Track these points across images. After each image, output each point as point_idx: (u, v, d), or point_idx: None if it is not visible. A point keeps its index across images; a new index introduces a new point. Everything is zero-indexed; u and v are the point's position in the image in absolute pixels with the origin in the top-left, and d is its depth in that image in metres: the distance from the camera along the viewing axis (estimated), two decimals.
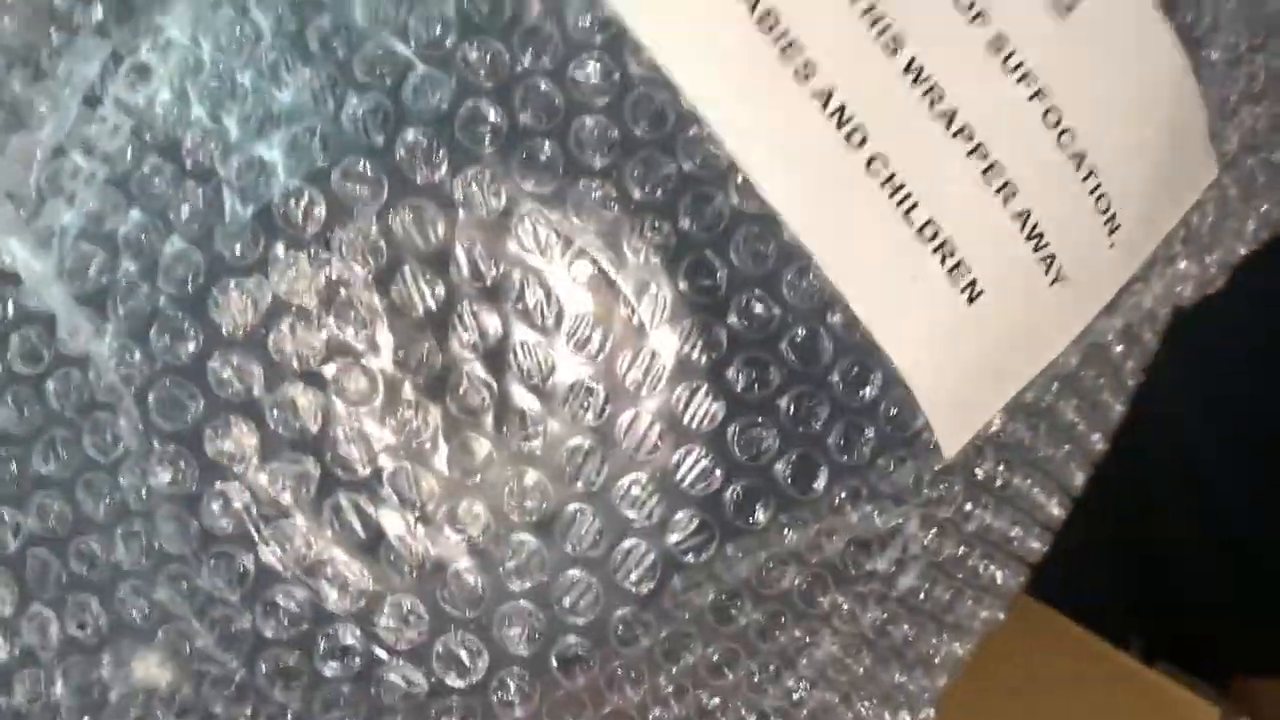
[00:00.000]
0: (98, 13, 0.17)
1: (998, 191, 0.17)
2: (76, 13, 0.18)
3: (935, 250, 0.16)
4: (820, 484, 0.16)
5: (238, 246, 0.15)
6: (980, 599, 0.20)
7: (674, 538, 0.16)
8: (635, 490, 0.16)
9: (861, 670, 0.18)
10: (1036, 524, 0.20)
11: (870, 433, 0.16)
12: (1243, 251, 0.21)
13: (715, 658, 0.17)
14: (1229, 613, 0.49)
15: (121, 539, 0.16)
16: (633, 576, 0.15)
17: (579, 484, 0.15)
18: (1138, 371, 0.22)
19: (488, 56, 0.15)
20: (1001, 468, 0.18)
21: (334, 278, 0.15)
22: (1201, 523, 0.49)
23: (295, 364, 0.15)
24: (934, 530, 0.18)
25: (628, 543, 0.16)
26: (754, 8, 0.15)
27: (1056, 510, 0.21)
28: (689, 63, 0.16)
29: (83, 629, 0.16)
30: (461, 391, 0.15)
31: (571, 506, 0.15)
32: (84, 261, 0.16)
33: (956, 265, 0.16)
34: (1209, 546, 0.49)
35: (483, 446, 0.15)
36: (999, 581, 0.20)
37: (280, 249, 0.15)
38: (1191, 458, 0.48)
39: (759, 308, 0.16)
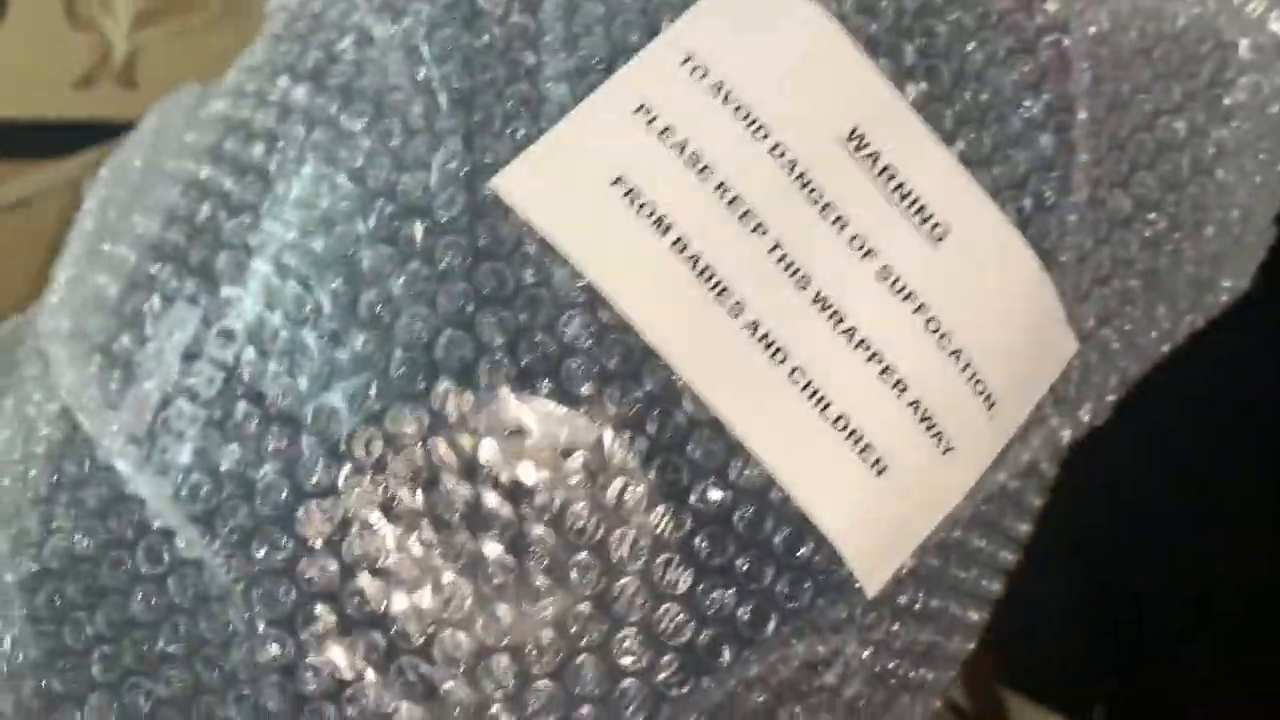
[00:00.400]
0: (189, 286, 0.23)
1: (893, 387, 0.22)
2: (171, 284, 0.23)
3: (848, 438, 0.22)
4: (771, 626, 0.21)
5: (314, 476, 0.21)
6: (915, 697, 0.25)
7: (661, 676, 0.21)
8: (628, 643, 0.21)
9: None
10: (958, 631, 0.25)
11: (808, 584, 0.21)
12: (1111, 399, 0.26)
13: None
14: (1198, 684, 0.52)
15: (233, 702, 0.21)
16: (630, 710, 0.21)
17: (584, 640, 0.21)
18: (1040, 494, 0.27)
19: (498, 320, 0.21)
20: (921, 593, 0.23)
21: (389, 494, 0.21)
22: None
23: (364, 562, 0.20)
24: (869, 649, 0.23)
25: (625, 683, 0.21)
26: (674, 243, 0.20)
27: (975, 616, 0.26)
28: (621, 296, 0.20)
29: None
30: (490, 573, 0.21)
31: (579, 658, 0.21)
32: (195, 489, 0.21)
33: (865, 447, 0.22)
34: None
35: (508, 615, 0.21)
36: (930, 679, 0.25)
37: (346, 474, 0.21)
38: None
39: (714, 493, 0.21)
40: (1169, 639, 0.52)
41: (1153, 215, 0.23)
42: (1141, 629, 0.53)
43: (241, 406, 0.21)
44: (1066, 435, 0.25)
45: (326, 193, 0.22)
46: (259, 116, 0.23)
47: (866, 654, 0.23)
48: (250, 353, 0.21)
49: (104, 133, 0.78)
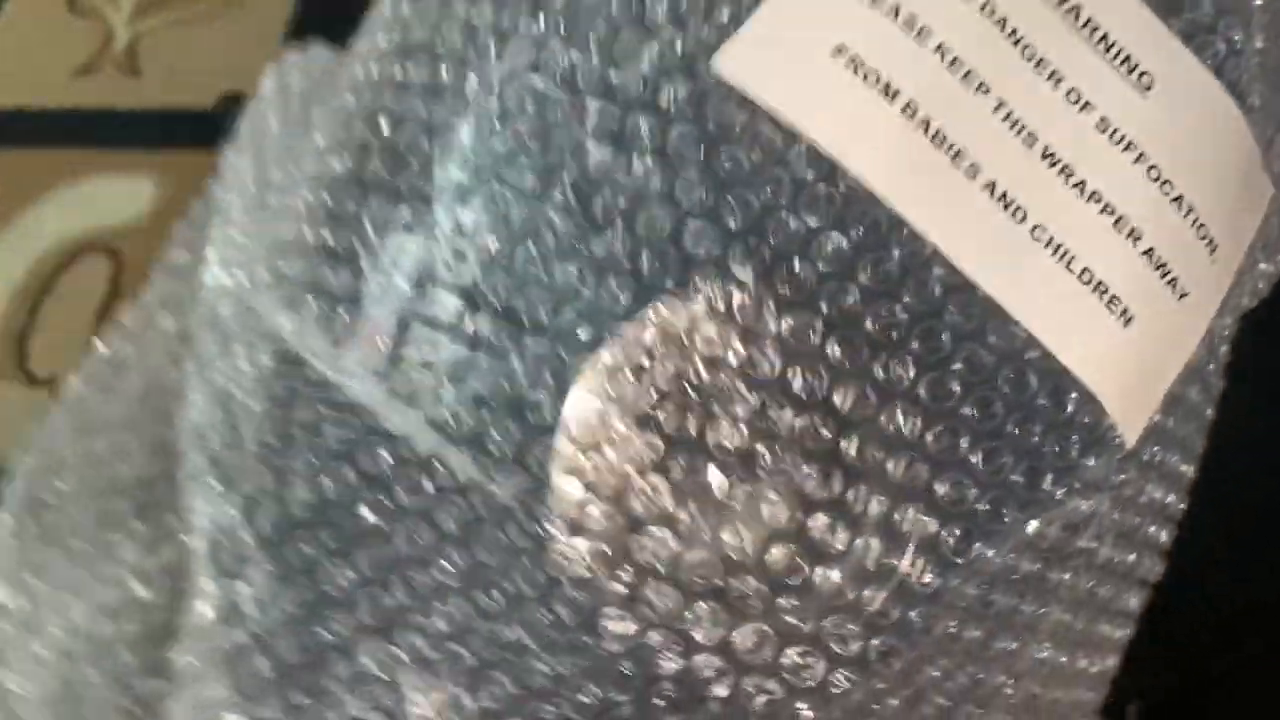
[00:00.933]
0: (403, 214, 0.22)
1: (1128, 236, 0.22)
2: (381, 214, 0.23)
3: (1094, 290, 0.21)
4: (1046, 484, 0.21)
5: (576, 383, 0.20)
6: (1151, 558, 0.25)
7: (946, 544, 0.21)
8: (911, 514, 0.20)
9: (1081, 627, 0.23)
10: (1182, 490, 0.25)
11: (1075, 438, 0.21)
12: None
13: (981, 636, 0.22)
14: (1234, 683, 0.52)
15: (520, 624, 0.20)
16: (924, 578, 0.20)
17: (866, 518, 0.20)
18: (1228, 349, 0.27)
19: (742, 204, 0.20)
20: (1158, 449, 0.23)
21: (654, 394, 0.20)
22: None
23: (637, 466, 0.20)
24: (1120, 507, 0.23)
25: (912, 553, 0.20)
26: (904, 109, 0.20)
27: (1191, 474, 0.26)
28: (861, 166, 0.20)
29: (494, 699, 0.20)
30: (762, 464, 0.20)
31: (861, 538, 0.20)
32: (456, 413, 0.20)
33: (1112, 299, 0.21)
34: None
35: (780, 506, 0.20)
36: (1162, 540, 0.25)
37: (606, 379, 0.20)
38: None
39: (976, 356, 0.21)
40: (1205, 637, 0.51)
41: None
42: (1178, 627, 0.52)
43: (488, 325, 0.20)
44: (1266, 285, 0.25)
45: (534, 102, 0.21)
46: (441, 38, 0.22)
47: (1117, 513, 0.23)
48: (486, 271, 0.21)
49: (105, 121, 0.77)
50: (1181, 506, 0.25)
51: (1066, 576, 0.22)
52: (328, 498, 0.21)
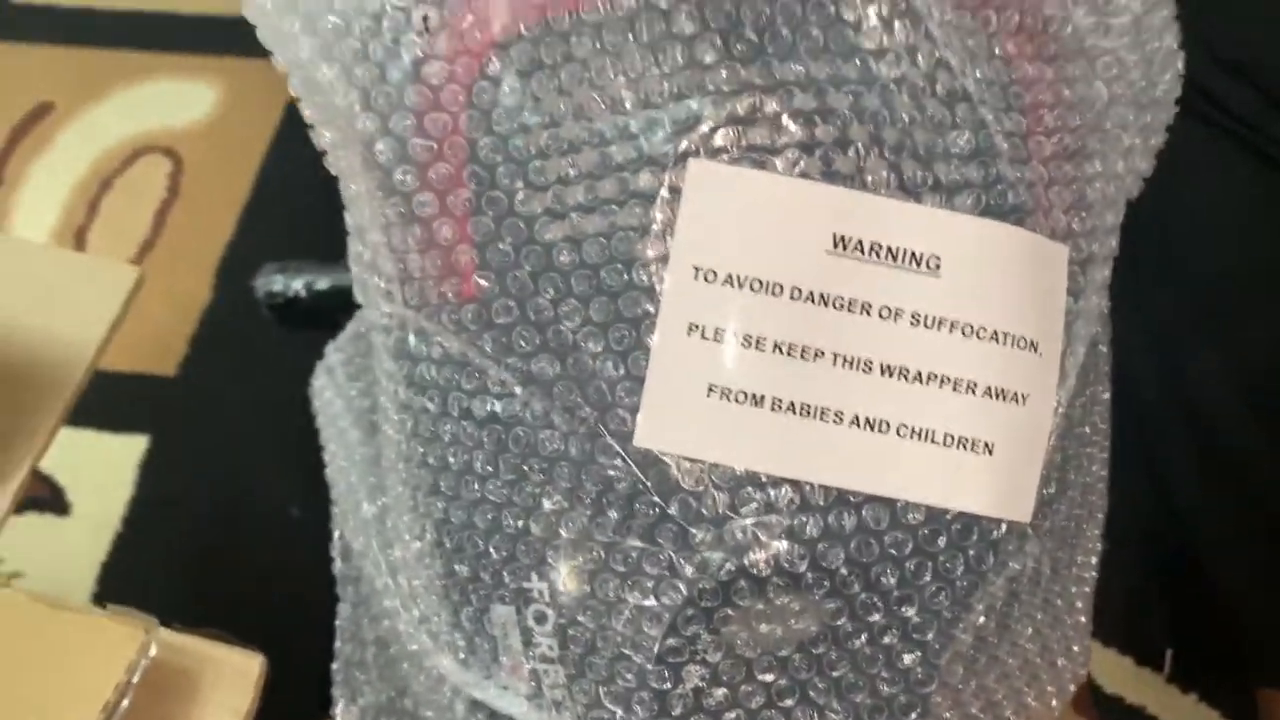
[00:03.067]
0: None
1: (967, 391, 0.25)
2: None
3: (958, 447, 0.25)
4: (978, 590, 0.26)
5: None
6: (1078, 548, 0.30)
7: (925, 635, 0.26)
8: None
9: (1050, 623, 0.29)
10: (1094, 493, 0.31)
11: (984, 546, 0.25)
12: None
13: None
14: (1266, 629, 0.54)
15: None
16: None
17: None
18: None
19: None
20: (1054, 479, 0.28)
21: None
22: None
23: None
24: (1043, 539, 0.27)
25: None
26: (773, 406, 0.25)
27: (1102, 473, 0.31)
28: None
29: None
30: None
31: None
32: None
33: (973, 444, 0.25)
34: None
35: None
36: (1088, 535, 0.31)
37: None
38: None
39: (894, 534, 0.26)
40: (1237, 584, 0.53)
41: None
42: (1210, 574, 0.54)
43: None
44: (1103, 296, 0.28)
45: None
46: None
47: (1045, 541, 0.27)
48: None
49: (171, 24, 0.80)
50: (1102, 503, 0.30)
51: (1022, 603, 0.27)
52: None
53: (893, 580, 0.24)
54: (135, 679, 0.34)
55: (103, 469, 0.69)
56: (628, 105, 0.23)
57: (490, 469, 0.25)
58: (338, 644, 0.38)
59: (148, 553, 0.66)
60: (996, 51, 0.25)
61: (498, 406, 0.25)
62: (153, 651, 0.36)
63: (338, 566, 0.38)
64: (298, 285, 0.74)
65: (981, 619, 0.26)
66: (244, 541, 0.66)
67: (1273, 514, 0.51)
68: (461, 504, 0.26)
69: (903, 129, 0.24)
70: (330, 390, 0.35)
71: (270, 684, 0.63)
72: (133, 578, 0.63)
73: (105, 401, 0.75)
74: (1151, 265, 0.50)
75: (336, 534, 0.37)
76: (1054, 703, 0.30)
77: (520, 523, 0.25)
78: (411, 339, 0.26)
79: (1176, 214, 0.48)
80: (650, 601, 0.24)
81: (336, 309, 0.77)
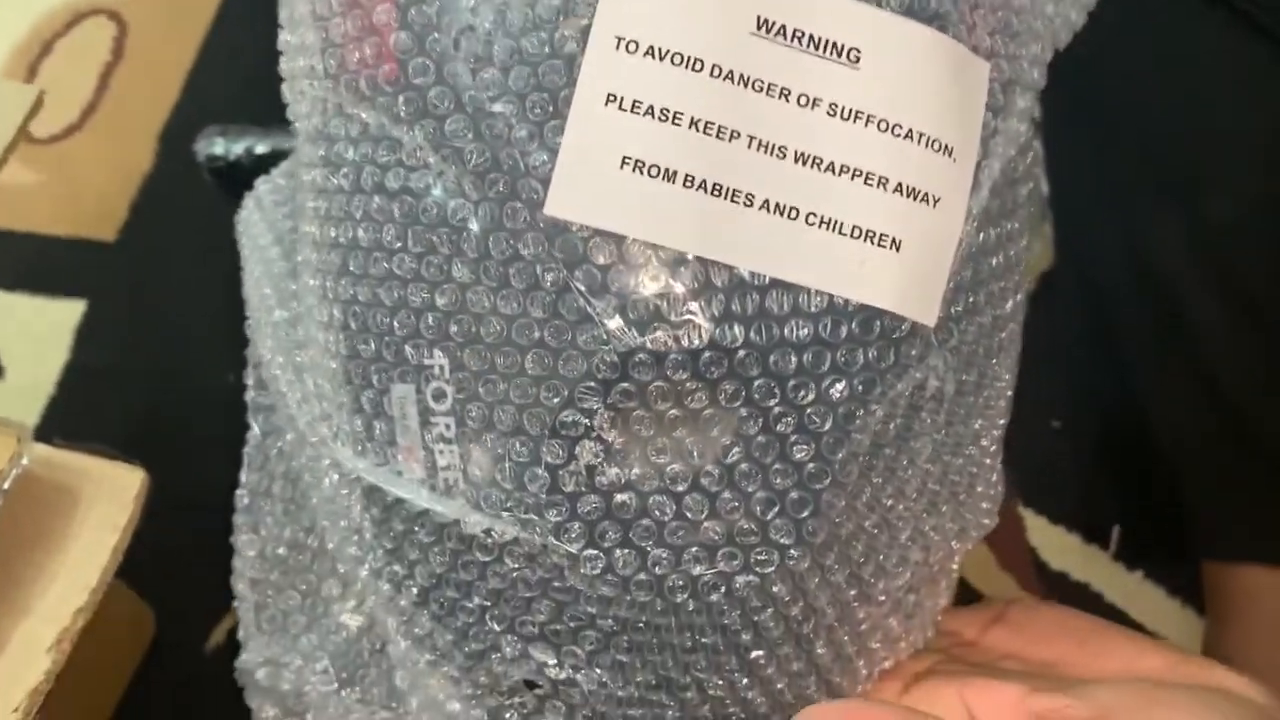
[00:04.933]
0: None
1: (878, 186, 0.25)
2: None
3: (865, 240, 0.25)
4: (878, 388, 0.26)
5: None
6: (994, 383, 0.30)
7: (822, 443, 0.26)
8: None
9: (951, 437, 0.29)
10: (1005, 316, 0.30)
11: (887, 345, 0.25)
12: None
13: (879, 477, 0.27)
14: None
15: None
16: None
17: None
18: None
19: None
20: (964, 296, 0.28)
21: None
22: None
23: None
24: (948, 354, 0.27)
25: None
26: (685, 182, 0.25)
27: (1011, 303, 0.30)
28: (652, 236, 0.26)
29: None
30: None
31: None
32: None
33: (880, 238, 0.25)
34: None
35: None
36: (1000, 365, 0.30)
37: None
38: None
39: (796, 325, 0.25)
40: (1186, 456, 0.52)
41: None
42: (1159, 447, 0.54)
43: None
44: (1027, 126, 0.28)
45: None
46: None
47: (949, 358, 0.27)
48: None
49: None
50: (1016, 332, 0.30)
51: (926, 418, 0.27)
52: None
53: (790, 367, 0.24)
54: (6, 486, 0.33)
55: (38, 334, 0.67)
56: None
57: (400, 244, 0.25)
58: (243, 474, 0.37)
59: (82, 419, 0.64)
60: None
61: (411, 179, 0.24)
62: (24, 461, 0.35)
63: (250, 394, 0.37)
64: (239, 149, 0.72)
65: (880, 422, 0.26)
66: (182, 409, 0.65)
67: (1226, 386, 0.50)
68: (369, 281, 0.25)
69: None
70: (256, 216, 0.35)
71: (208, 554, 0.63)
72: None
73: (42, 266, 0.74)
74: (1117, 129, 0.48)
75: (251, 361, 0.36)
76: (954, 543, 0.30)
77: (425, 296, 0.24)
78: (332, 119, 0.26)
79: (1147, 77, 0.47)
80: (546, 372, 0.24)
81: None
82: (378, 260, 0.25)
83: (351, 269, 0.26)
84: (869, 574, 0.27)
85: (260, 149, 0.72)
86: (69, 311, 0.69)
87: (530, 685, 0.26)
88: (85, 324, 0.68)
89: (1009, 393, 0.30)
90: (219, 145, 0.73)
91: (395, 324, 0.25)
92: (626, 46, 0.23)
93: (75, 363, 0.67)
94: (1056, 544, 0.62)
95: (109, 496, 0.36)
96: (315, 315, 0.27)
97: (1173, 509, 0.54)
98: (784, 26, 0.23)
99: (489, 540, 0.25)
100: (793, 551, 0.25)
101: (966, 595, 0.63)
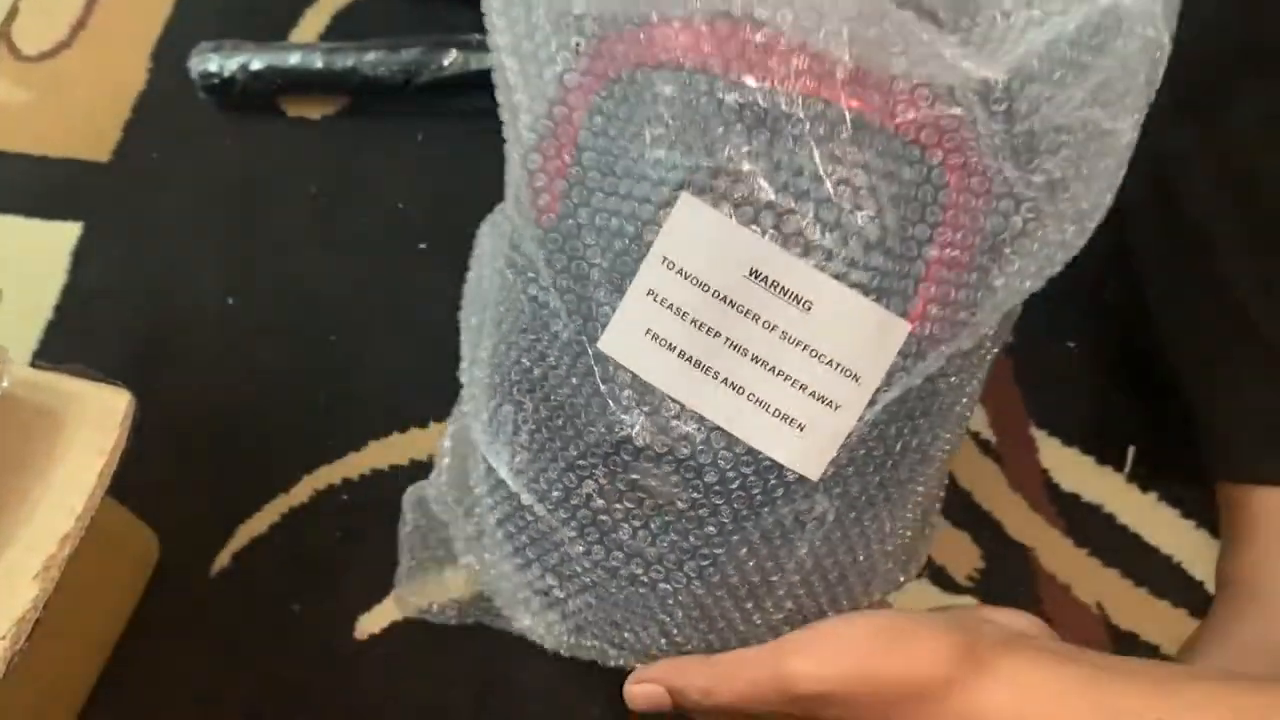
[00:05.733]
0: None
1: (798, 388, 0.35)
2: None
3: (782, 419, 0.34)
4: (766, 508, 0.36)
5: None
6: (880, 512, 0.38)
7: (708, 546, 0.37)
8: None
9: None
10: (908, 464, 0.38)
11: (776, 484, 0.35)
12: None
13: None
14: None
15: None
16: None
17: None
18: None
19: None
20: (852, 458, 0.36)
21: None
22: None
23: None
24: (833, 495, 0.36)
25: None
26: (679, 355, 0.35)
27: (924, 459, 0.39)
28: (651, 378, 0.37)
29: None
30: None
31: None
32: None
33: (791, 420, 0.34)
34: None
35: None
36: (893, 497, 0.39)
37: None
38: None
39: (719, 462, 0.36)
40: (1201, 374, 0.53)
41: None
42: (1174, 366, 0.52)
43: None
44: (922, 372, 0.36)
45: None
46: None
47: (835, 499, 0.36)
48: None
49: None
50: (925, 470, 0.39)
51: (803, 538, 0.36)
52: None
53: (714, 477, 0.35)
54: None
55: (34, 256, 0.67)
56: (661, 150, 0.34)
57: (524, 327, 0.38)
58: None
59: (80, 341, 0.64)
60: (935, 196, 0.34)
61: (537, 292, 0.37)
62: (4, 383, 0.34)
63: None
64: (233, 66, 0.71)
65: (768, 526, 0.36)
66: (178, 330, 0.65)
67: (1236, 303, 0.49)
68: (505, 338, 0.39)
69: (835, 221, 0.34)
70: (487, 238, 0.45)
71: (208, 476, 0.62)
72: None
73: (37, 188, 0.73)
74: None
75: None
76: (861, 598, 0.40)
77: (528, 363, 0.38)
78: (513, 232, 0.38)
79: None
80: (573, 433, 0.37)
81: (273, 90, 0.75)
82: (512, 329, 0.39)
83: (501, 326, 0.40)
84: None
85: (255, 65, 0.71)
86: (65, 234, 0.68)
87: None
88: (81, 245, 0.68)
89: (892, 533, 0.39)
90: (213, 62, 0.71)
91: (512, 372, 0.39)
92: (668, 264, 0.34)
93: (73, 285, 0.66)
94: (1069, 464, 0.61)
95: (95, 420, 0.35)
96: (484, 335, 0.42)
97: (1188, 431, 0.53)
98: (766, 277, 0.34)
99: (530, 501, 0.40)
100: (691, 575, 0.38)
101: (977, 517, 0.63)
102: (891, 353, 0.35)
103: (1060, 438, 0.62)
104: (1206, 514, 0.59)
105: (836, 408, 0.35)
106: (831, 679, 0.35)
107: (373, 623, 0.58)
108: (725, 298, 0.35)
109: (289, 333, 0.66)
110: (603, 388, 0.36)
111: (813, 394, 0.35)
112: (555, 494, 0.38)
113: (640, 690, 0.41)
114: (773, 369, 0.35)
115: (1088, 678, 0.34)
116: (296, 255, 0.68)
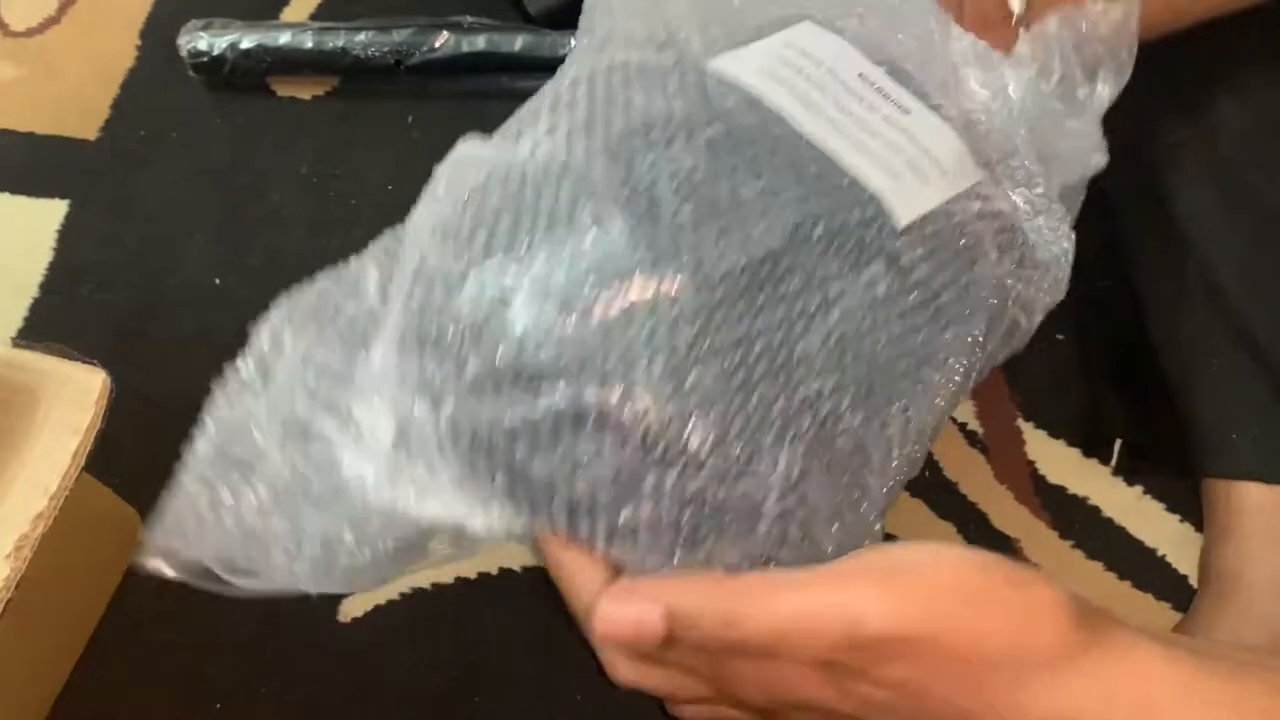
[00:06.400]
0: None
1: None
2: None
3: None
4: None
5: None
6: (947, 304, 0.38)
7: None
8: None
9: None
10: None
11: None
12: None
13: None
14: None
15: None
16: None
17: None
18: None
19: None
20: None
21: None
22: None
23: None
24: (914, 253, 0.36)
25: None
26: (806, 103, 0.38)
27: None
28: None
29: None
30: None
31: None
32: None
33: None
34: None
35: None
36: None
37: None
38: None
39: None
40: (1188, 370, 0.53)
41: None
42: (1162, 362, 0.52)
43: None
44: None
45: None
46: None
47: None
48: None
49: None
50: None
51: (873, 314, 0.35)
52: None
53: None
54: None
55: (21, 233, 0.67)
56: None
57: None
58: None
59: (66, 319, 0.64)
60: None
61: None
62: None
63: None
64: (223, 44, 0.70)
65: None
66: (166, 309, 0.64)
67: (1223, 299, 0.49)
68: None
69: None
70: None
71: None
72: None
73: (24, 165, 0.73)
74: None
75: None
76: None
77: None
78: None
79: None
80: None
81: (263, 70, 0.74)
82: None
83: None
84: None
85: (245, 44, 0.70)
86: (52, 211, 0.68)
87: None
88: (69, 223, 0.67)
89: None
90: (203, 40, 0.71)
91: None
92: (791, 46, 0.38)
93: (59, 262, 0.66)
94: (1056, 457, 0.61)
95: (70, 398, 0.34)
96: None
97: (1174, 424, 0.53)
98: (873, 83, 0.38)
99: None
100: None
101: (963, 508, 0.62)
102: (965, 181, 0.36)
103: (1047, 430, 0.62)
104: (1191, 508, 0.59)
105: (926, 181, 0.35)
106: (920, 621, 0.26)
107: (356, 605, 0.58)
108: (838, 77, 0.37)
109: None
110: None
111: (908, 161, 0.35)
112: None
113: (622, 612, 0.28)
114: (873, 132, 0.36)
115: (1209, 670, 0.27)
116: (285, 235, 0.67)
